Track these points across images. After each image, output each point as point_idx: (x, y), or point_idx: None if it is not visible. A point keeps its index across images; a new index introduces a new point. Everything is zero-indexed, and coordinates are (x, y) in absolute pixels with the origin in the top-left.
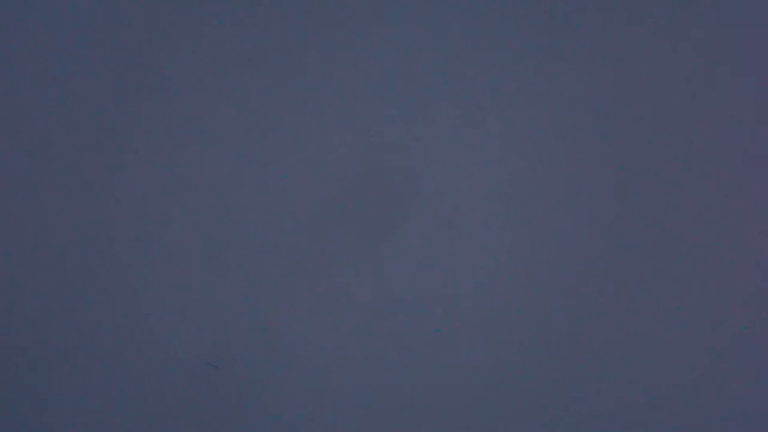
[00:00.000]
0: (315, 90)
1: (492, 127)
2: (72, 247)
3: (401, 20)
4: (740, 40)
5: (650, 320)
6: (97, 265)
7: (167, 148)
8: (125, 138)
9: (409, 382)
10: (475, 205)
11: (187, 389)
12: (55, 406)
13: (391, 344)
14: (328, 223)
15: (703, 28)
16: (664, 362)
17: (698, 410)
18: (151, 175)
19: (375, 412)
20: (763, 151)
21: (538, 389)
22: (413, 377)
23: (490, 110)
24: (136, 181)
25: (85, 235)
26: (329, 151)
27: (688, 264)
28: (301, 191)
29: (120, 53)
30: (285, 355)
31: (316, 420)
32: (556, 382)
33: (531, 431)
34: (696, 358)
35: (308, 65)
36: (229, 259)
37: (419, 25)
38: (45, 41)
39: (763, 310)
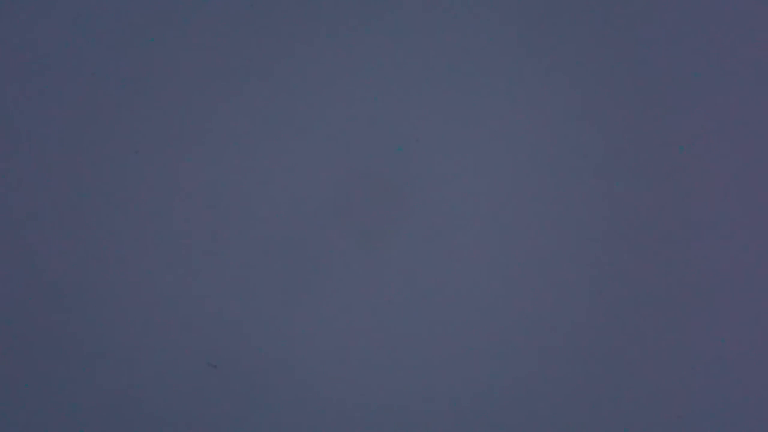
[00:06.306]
0: (315, 90)
1: (492, 127)
2: (72, 246)
3: (402, 20)
4: (740, 41)
5: (651, 321)
6: (97, 264)
7: (167, 148)
8: (125, 138)
9: (409, 383)
10: (475, 205)
11: (187, 389)
12: (55, 405)
13: (391, 344)
14: (329, 223)
15: (703, 28)
16: (666, 364)
17: (701, 413)
18: (151, 174)
19: (375, 412)
20: (763, 151)
21: (539, 390)
22: (413, 377)
23: (491, 110)
24: (136, 180)
25: (85, 235)
26: (329, 150)
27: (689, 264)
28: (301, 191)
29: (120, 52)
30: (285, 354)
31: (316, 420)
32: (557, 382)
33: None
34: (699, 360)
35: (309, 65)
36: (230, 258)
37: (420, 24)
38: (45, 40)
39: (764, 311)
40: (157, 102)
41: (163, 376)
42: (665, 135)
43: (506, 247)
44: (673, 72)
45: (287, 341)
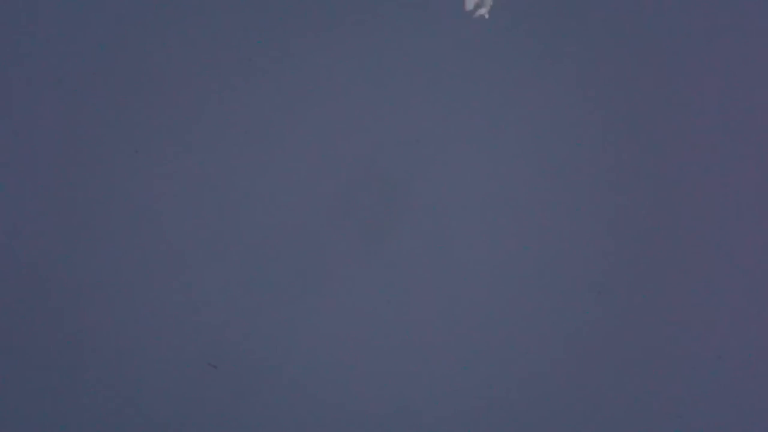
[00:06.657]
0: (315, 90)
1: (494, 126)
2: (71, 246)
3: (402, 20)
4: (740, 40)
5: (652, 321)
6: (96, 264)
7: (167, 148)
8: (125, 138)
9: (409, 383)
10: (477, 205)
11: (187, 389)
12: (54, 406)
13: (392, 344)
14: (329, 223)
15: (703, 28)
16: (666, 364)
17: (701, 413)
18: (151, 174)
19: (376, 412)
20: (763, 151)
21: (539, 391)
22: (414, 378)
23: (492, 109)
24: (136, 180)
25: (84, 235)
26: (330, 150)
27: (690, 265)
28: (301, 191)
29: (120, 52)
30: (285, 354)
31: (316, 420)
32: (558, 382)
33: None
34: (700, 360)
35: (309, 64)
36: (230, 258)
37: (420, 24)
38: (44, 39)
39: (764, 311)
40: (156, 101)
41: (162, 376)
42: (669, 135)
43: (509, 247)
44: (678, 71)
45: (288, 341)
